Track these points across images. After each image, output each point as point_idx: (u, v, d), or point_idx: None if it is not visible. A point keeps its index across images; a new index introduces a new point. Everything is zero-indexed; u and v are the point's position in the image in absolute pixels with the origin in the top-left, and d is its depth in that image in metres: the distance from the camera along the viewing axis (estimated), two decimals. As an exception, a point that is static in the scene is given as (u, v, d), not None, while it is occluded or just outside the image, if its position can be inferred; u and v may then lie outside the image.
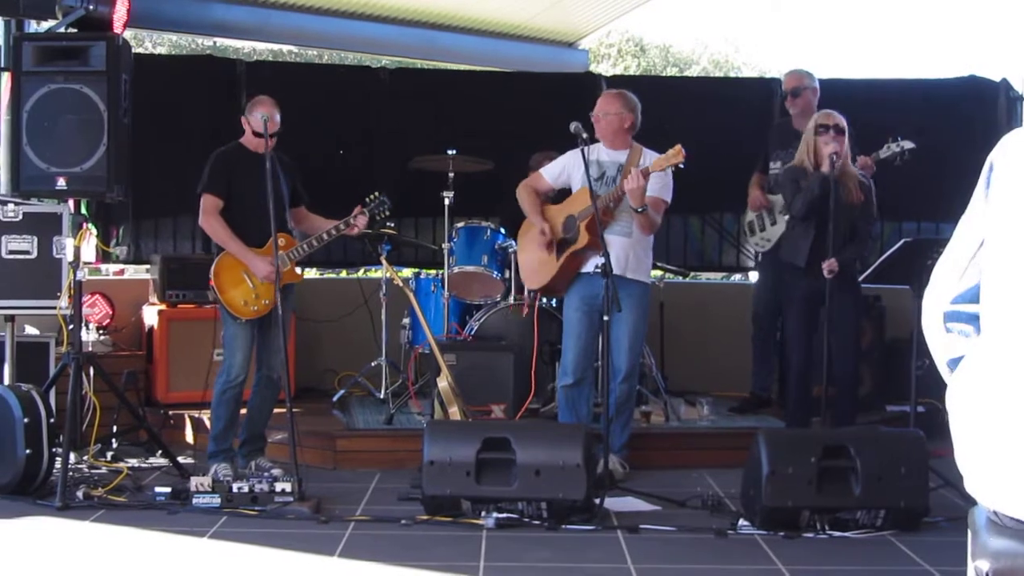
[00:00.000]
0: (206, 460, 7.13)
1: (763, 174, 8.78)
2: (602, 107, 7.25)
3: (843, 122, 7.29)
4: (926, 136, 9.64)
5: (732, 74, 29.97)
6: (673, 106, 9.70)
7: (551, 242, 7.19)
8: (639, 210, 6.87)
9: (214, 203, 6.98)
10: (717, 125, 8.97)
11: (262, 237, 6.90)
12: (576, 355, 7.17)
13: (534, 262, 7.38)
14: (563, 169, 7.31)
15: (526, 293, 8.05)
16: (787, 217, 8.32)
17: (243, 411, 7.22)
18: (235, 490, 6.28)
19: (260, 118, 6.86)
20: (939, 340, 2.63)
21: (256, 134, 6.94)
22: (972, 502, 2.55)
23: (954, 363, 2.60)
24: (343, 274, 11.08)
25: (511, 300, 8.26)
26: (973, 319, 2.56)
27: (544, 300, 8.03)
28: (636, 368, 7.35)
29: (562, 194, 7.41)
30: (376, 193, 7.03)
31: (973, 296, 2.56)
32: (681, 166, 6.73)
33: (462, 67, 12.33)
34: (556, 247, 7.19)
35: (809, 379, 7.43)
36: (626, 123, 7.20)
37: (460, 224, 8.39)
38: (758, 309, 8.92)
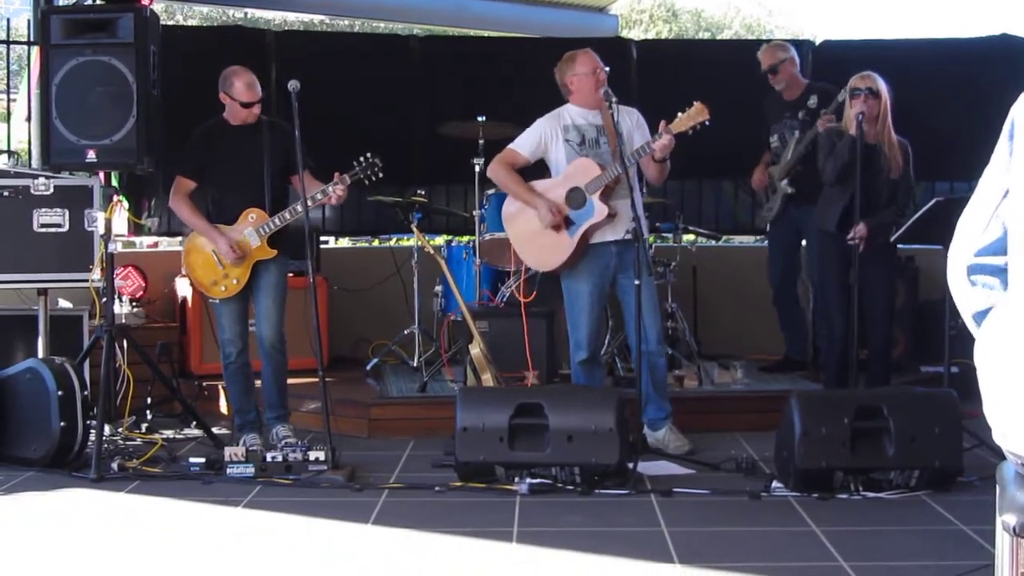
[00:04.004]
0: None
1: (770, 150, 8.74)
2: (594, 64, 7.04)
3: (878, 84, 7.17)
4: (958, 95, 9.60)
5: (765, 38, 29.78)
6: (705, 70, 9.68)
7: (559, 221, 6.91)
8: (664, 160, 6.78)
9: (184, 185, 7.04)
10: (749, 89, 8.88)
11: (238, 212, 6.98)
12: (590, 330, 7.00)
13: (542, 244, 7.01)
14: (540, 139, 7.03)
15: (523, 274, 7.76)
16: (784, 182, 8.30)
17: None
18: (269, 459, 6.31)
19: (242, 87, 6.91)
20: (964, 293, 2.61)
21: (243, 104, 6.92)
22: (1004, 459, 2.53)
23: (980, 316, 2.58)
24: (375, 243, 11.13)
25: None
26: (998, 271, 2.54)
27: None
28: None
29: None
30: (367, 155, 6.92)
31: (997, 249, 2.54)
32: (706, 124, 6.62)
33: (492, 34, 12.30)
34: (566, 225, 6.91)
35: (850, 348, 7.32)
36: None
37: (491, 191, 8.33)
38: (772, 276, 8.91)
